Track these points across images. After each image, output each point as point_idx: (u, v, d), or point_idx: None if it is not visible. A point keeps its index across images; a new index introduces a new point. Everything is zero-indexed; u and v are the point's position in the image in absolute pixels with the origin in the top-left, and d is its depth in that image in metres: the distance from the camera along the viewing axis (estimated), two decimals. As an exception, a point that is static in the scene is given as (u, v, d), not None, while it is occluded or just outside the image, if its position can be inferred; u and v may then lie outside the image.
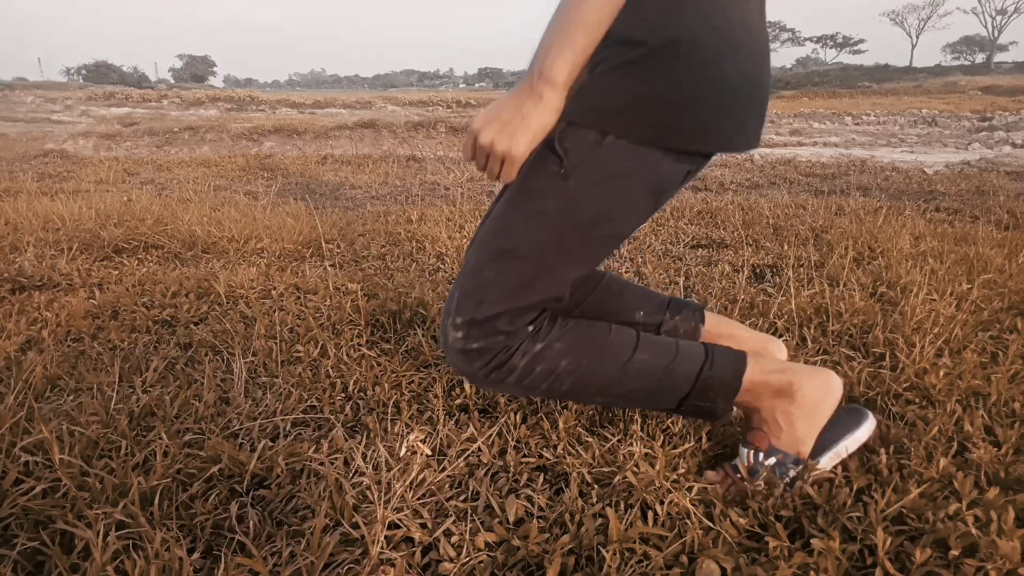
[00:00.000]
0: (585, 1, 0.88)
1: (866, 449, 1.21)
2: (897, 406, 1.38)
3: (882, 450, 1.16)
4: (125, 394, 1.41)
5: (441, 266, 2.55)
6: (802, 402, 1.09)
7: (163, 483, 1.05)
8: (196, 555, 0.95)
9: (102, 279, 2.28)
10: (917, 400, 1.40)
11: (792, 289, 1.95)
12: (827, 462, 1.11)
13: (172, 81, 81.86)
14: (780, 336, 1.73)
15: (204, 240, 2.77)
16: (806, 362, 1.57)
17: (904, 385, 1.44)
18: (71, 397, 1.41)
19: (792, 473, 1.08)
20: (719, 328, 1.35)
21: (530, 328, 1.06)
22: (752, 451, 1.10)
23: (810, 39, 79.15)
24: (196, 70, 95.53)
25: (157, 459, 1.11)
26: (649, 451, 1.19)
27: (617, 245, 1.11)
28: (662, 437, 1.24)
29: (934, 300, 1.95)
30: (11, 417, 1.19)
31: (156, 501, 1.01)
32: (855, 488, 1.08)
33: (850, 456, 1.13)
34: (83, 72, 76.01)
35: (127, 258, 2.56)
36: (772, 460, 1.09)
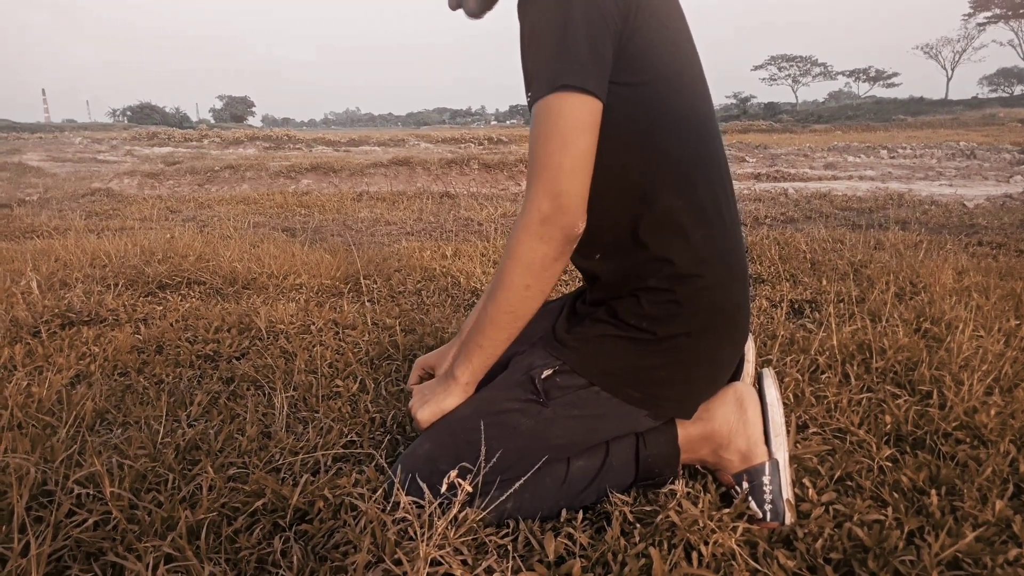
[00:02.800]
0: (494, 322, 1.09)
1: (916, 491, 1.18)
2: (947, 446, 1.35)
3: (933, 491, 1.14)
4: (171, 428, 1.43)
5: (476, 301, 2.56)
6: (727, 430, 1.17)
7: (209, 517, 1.07)
8: (241, 590, 0.95)
9: (147, 314, 2.34)
10: (968, 440, 1.36)
11: (833, 325, 1.92)
12: (778, 447, 1.15)
13: (212, 121, 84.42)
14: (823, 374, 1.71)
15: (244, 276, 2.83)
16: (850, 401, 1.54)
17: (953, 424, 1.40)
18: (119, 430, 1.44)
19: (767, 479, 1.12)
20: None
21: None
22: (733, 490, 1.16)
23: (842, 73, 78.80)
24: (235, 110, 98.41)
25: (203, 493, 1.13)
26: (691, 489, 1.18)
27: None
28: (705, 476, 1.22)
29: (981, 336, 1.90)
30: (64, 450, 1.22)
31: (203, 535, 1.02)
32: (906, 530, 1.05)
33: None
34: (128, 113, 78.79)
35: (171, 294, 2.63)
36: (745, 484, 1.14)
